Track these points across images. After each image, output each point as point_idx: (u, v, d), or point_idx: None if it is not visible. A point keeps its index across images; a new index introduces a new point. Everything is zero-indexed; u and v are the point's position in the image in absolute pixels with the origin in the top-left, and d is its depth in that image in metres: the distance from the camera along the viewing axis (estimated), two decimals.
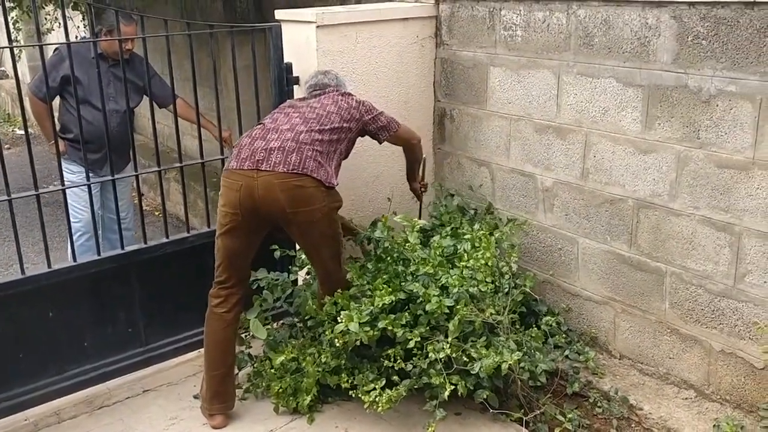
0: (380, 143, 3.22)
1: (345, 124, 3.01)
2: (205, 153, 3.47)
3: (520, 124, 3.53)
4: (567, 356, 3.23)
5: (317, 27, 3.35)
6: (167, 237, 3.40)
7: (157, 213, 6.38)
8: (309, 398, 2.96)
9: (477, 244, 3.14)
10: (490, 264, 2.89)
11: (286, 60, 3.52)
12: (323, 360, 2.95)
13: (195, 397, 3.22)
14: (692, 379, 3.05)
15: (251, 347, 3.35)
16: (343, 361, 2.97)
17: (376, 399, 2.71)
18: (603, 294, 3.35)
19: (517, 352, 2.71)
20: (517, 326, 3.14)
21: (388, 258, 3.11)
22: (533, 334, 3.06)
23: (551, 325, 3.33)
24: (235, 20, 5.14)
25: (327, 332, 2.90)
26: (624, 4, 2.95)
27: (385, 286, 2.86)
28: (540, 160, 3.47)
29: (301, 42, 3.44)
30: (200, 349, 3.52)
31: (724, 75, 2.69)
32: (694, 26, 2.74)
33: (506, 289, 3.06)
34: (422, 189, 3.59)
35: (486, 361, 2.62)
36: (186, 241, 3.40)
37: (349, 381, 2.92)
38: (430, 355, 2.75)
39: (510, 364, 2.74)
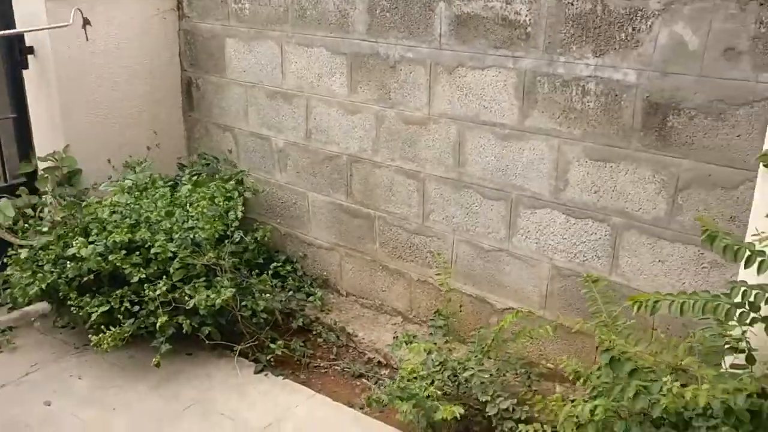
0: None
1: None
2: None
3: (254, 91, 3.84)
4: (295, 296, 3.60)
5: None
6: None
7: None
8: None
9: (201, 195, 3.43)
10: (206, 212, 3.18)
11: (20, 30, 3.58)
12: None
13: None
14: (400, 307, 3.55)
15: None
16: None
17: (102, 339, 2.92)
18: (330, 241, 3.77)
19: (231, 289, 3.03)
20: (255, 273, 3.47)
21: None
22: (261, 278, 3.41)
23: (288, 271, 3.73)
24: None
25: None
26: None
27: (123, 227, 3.08)
28: (273, 124, 3.81)
29: (33, 12, 3.51)
30: None
31: (404, 43, 3.16)
32: (380, 0, 3.19)
33: (235, 238, 3.38)
34: None
35: (199, 297, 2.92)
36: None
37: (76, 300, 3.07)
38: (155, 296, 3.00)
39: (231, 304, 3.06)
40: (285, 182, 3.88)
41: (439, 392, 2.61)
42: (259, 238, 3.63)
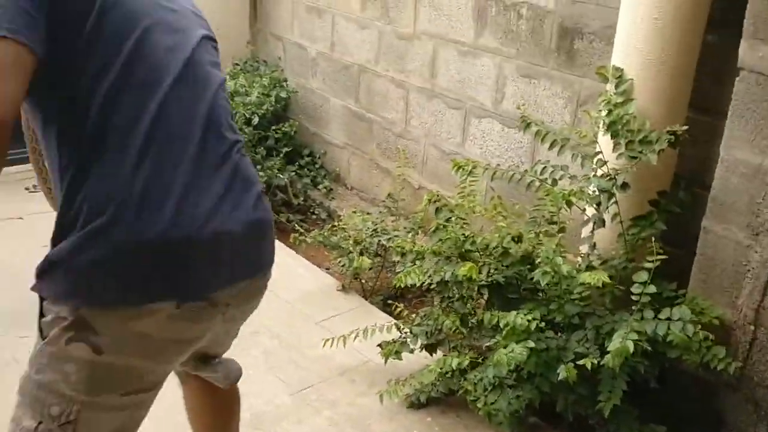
0: None
1: None
2: None
3: (298, 5, 4.51)
4: (301, 180, 4.28)
5: None
6: None
7: None
8: None
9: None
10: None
11: None
12: None
13: (26, 189, 4.23)
14: (387, 201, 4.14)
15: None
16: None
17: None
18: (343, 141, 4.41)
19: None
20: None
21: None
22: (274, 162, 4.13)
23: (307, 162, 4.44)
24: None
25: None
26: None
27: None
28: (309, 35, 4.47)
29: None
30: None
31: None
32: None
33: (254, 121, 4.11)
34: None
35: None
36: None
37: None
38: None
39: None
40: (315, 87, 4.54)
41: (365, 251, 3.23)
42: (285, 131, 4.35)
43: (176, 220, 1.20)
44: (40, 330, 1.27)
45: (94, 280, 1.19)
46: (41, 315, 1.27)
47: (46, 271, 1.23)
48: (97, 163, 1.20)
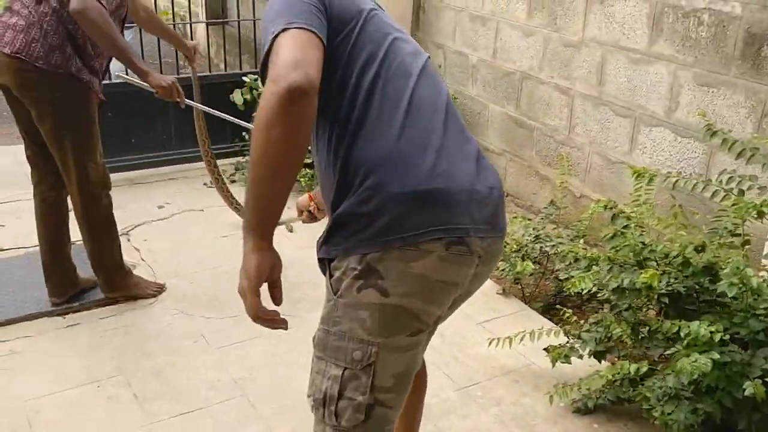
0: None
1: None
2: None
3: (461, 15, 4.60)
4: None
5: None
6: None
7: None
8: None
9: None
10: None
11: None
12: None
13: (204, 184, 4.59)
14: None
15: None
16: None
17: None
18: (500, 147, 4.45)
19: None
20: None
21: None
22: None
23: None
24: None
25: None
26: None
27: None
28: (471, 43, 4.55)
29: None
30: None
31: None
32: None
33: None
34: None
35: None
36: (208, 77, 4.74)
37: None
38: None
39: None
40: (474, 94, 4.61)
41: (527, 256, 3.25)
42: None
43: (435, 174, 1.41)
44: (331, 287, 1.47)
45: (376, 228, 1.39)
46: (330, 276, 1.47)
47: (332, 234, 1.45)
48: (366, 137, 1.43)
